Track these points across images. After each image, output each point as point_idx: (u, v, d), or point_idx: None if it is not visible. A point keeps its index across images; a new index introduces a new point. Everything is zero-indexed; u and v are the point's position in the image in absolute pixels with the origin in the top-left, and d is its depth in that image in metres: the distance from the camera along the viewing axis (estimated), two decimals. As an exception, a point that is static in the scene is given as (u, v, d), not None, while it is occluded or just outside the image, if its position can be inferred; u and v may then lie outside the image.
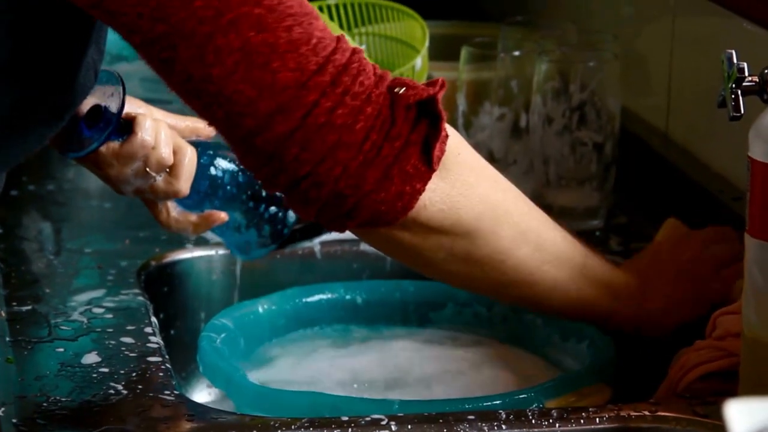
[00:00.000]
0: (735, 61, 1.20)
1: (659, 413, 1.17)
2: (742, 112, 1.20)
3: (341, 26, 1.67)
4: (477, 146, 1.63)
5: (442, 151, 1.12)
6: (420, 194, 1.11)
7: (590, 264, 1.29)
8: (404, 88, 1.10)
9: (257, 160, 1.10)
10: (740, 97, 1.20)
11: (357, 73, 1.08)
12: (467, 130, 1.64)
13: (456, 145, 1.15)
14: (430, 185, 1.12)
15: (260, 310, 1.44)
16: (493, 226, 1.19)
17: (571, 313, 1.31)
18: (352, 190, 1.09)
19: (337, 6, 1.69)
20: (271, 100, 1.06)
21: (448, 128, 1.14)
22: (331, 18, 1.66)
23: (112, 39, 1.82)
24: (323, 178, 1.09)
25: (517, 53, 1.63)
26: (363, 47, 1.66)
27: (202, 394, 1.46)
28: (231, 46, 1.04)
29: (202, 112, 1.10)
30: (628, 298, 1.31)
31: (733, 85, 1.20)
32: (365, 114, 1.08)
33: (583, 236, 1.55)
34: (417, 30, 1.66)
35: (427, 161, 1.11)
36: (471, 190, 1.17)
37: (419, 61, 1.62)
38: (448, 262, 1.20)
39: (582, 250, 1.29)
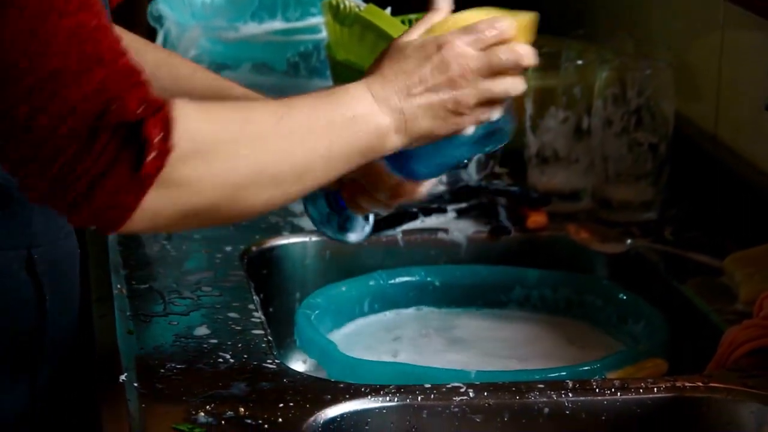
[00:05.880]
0: (781, 67, 1.20)
1: (712, 384, 1.17)
2: (788, 114, 1.20)
3: (421, 38, 1.67)
4: (543, 146, 1.64)
5: (157, 167, 0.98)
6: (133, 209, 0.98)
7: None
8: (115, 106, 0.97)
9: None
10: (786, 101, 1.20)
11: (69, 83, 0.96)
12: (534, 132, 1.64)
13: (181, 155, 0.99)
14: (148, 197, 0.99)
15: (349, 290, 1.45)
16: (229, 203, 1.04)
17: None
18: (58, 198, 0.98)
19: (418, 20, 1.69)
20: None
21: (186, 120, 1.00)
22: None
23: (215, 50, 1.84)
24: (27, 180, 0.99)
25: (579, 62, 1.62)
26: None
27: (298, 364, 1.47)
28: None
29: None
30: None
31: (780, 90, 1.20)
32: (66, 125, 0.96)
33: (639, 227, 1.56)
34: (490, 41, 1.66)
35: (138, 181, 0.98)
36: (195, 195, 1.01)
37: (491, 70, 1.62)
38: (188, 228, 1.10)
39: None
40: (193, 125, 1.00)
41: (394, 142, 1.11)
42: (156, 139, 0.97)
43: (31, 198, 1.00)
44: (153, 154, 0.97)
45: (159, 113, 0.98)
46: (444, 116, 1.12)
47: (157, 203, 0.99)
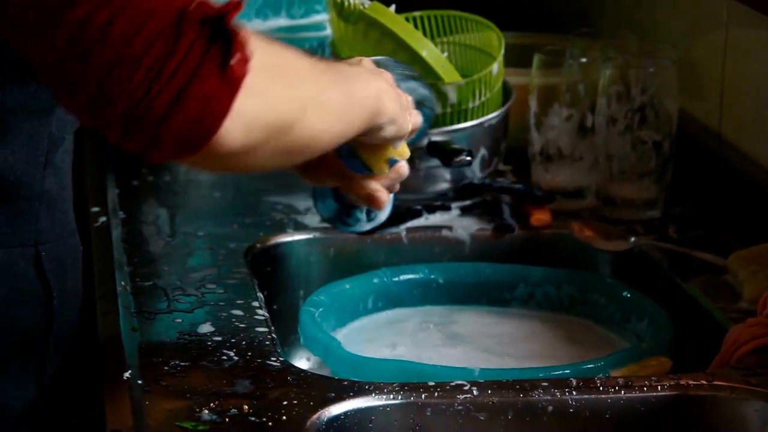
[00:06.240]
0: (786, 65, 1.20)
1: (716, 383, 1.17)
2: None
3: (425, 35, 1.67)
4: (547, 144, 1.63)
5: (244, 71, 0.94)
6: (224, 116, 0.93)
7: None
8: (194, 5, 0.93)
9: (56, 84, 0.95)
10: (790, 99, 1.20)
11: None
12: (538, 130, 1.63)
13: (257, 64, 0.96)
14: (235, 105, 0.94)
15: (353, 288, 1.45)
16: (300, 124, 1.02)
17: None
18: (144, 112, 0.92)
19: (422, 18, 1.69)
20: (43, 16, 0.92)
21: (250, 39, 0.96)
22: (416, 27, 1.66)
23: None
24: (109, 94, 0.92)
25: (583, 60, 1.62)
26: (445, 54, 1.66)
27: (302, 362, 1.47)
28: None
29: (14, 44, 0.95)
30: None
31: (784, 88, 1.20)
32: (147, 28, 0.91)
33: (643, 225, 1.56)
34: (494, 39, 1.66)
35: (229, 78, 0.93)
36: (274, 100, 0.99)
37: (496, 67, 1.62)
38: (268, 161, 1.02)
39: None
40: (260, 41, 0.98)
41: (389, 108, 1.13)
42: (241, 34, 0.94)
43: (110, 130, 0.94)
44: (238, 55, 0.93)
45: (237, 9, 0.95)
46: (400, 107, 1.15)
47: (246, 109, 0.95)
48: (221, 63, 0.93)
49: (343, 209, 1.26)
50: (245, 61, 0.94)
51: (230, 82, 0.94)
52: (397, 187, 1.25)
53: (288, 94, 1.00)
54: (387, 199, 1.22)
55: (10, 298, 1.14)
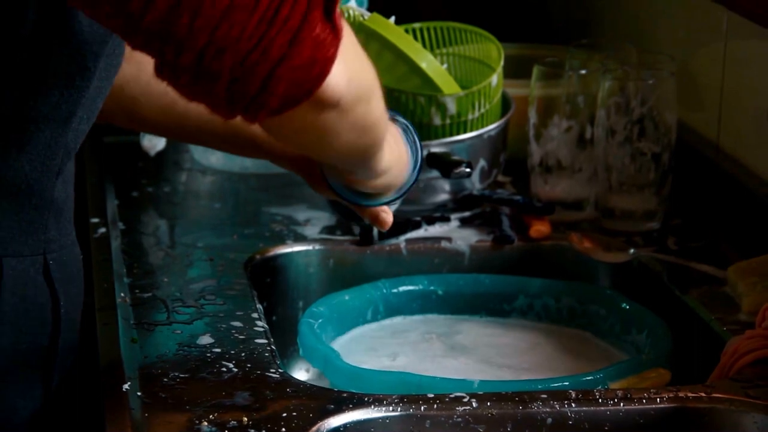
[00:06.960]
0: (785, 78, 1.20)
1: (715, 395, 1.17)
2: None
3: (425, 46, 1.67)
4: (546, 155, 1.63)
5: (341, 22, 0.96)
6: (333, 61, 0.95)
7: None
8: None
9: (158, 46, 0.93)
10: (789, 111, 1.20)
11: None
12: (537, 141, 1.63)
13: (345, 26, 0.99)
14: (339, 53, 0.96)
15: (352, 299, 1.45)
16: (376, 89, 1.03)
17: None
18: (259, 55, 0.93)
19: (422, 29, 1.69)
20: None
21: None
22: (416, 39, 1.66)
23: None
24: (223, 42, 0.92)
25: (583, 72, 1.62)
26: (445, 66, 1.67)
27: (301, 374, 1.47)
28: None
29: (93, 13, 0.95)
30: None
31: (783, 100, 1.20)
32: None
33: (642, 236, 1.56)
34: (493, 51, 1.66)
35: (332, 27, 0.95)
36: (362, 57, 1.01)
37: (495, 79, 1.62)
38: (347, 132, 1.01)
39: None
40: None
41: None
42: None
43: (215, 86, 0.94)
44: (337, 9, 0.95)
45: None
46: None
47: (348, 57, 0.96)
48: (325, 10, 0.94)
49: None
50: (341, 13, 0.96)
51: (334, 29, 0.95)
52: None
53: (368, 64, 1.02)
54: (391, 220, 1.25)
55: (20, 306, 1.14)
